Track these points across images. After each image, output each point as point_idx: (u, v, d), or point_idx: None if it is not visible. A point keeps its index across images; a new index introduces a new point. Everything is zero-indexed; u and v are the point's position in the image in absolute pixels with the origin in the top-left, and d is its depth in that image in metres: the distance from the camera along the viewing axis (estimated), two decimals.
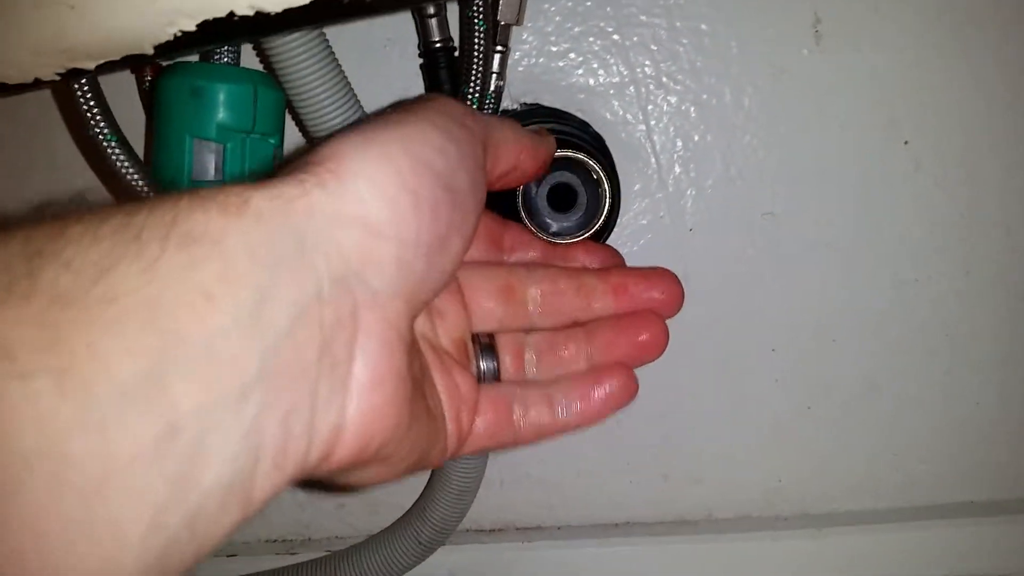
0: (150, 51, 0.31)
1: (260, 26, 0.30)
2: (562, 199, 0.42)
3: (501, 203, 0.44)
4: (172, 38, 0.30)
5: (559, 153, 0.40)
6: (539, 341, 0.36)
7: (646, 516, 0.61)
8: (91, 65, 0.32)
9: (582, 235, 0.40)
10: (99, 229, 0.20)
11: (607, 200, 0.41)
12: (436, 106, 0.29)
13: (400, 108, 0.28)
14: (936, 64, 0.51)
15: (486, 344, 0.35)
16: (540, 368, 0.36)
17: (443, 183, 0.26)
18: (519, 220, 0.40)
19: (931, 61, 0.51)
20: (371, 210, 0.24)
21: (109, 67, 0.33)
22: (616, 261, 0.39)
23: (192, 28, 0.30)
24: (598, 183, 0.41)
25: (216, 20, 0.30)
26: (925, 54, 0.51)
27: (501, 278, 0.36)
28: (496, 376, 0.34)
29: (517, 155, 0.33)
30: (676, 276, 0.37)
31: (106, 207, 0.21)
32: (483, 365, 0.34)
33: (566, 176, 0.42)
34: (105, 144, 0.39)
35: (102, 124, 0.39)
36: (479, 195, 0.29)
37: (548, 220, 0.41)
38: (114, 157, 0.39)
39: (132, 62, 0.33)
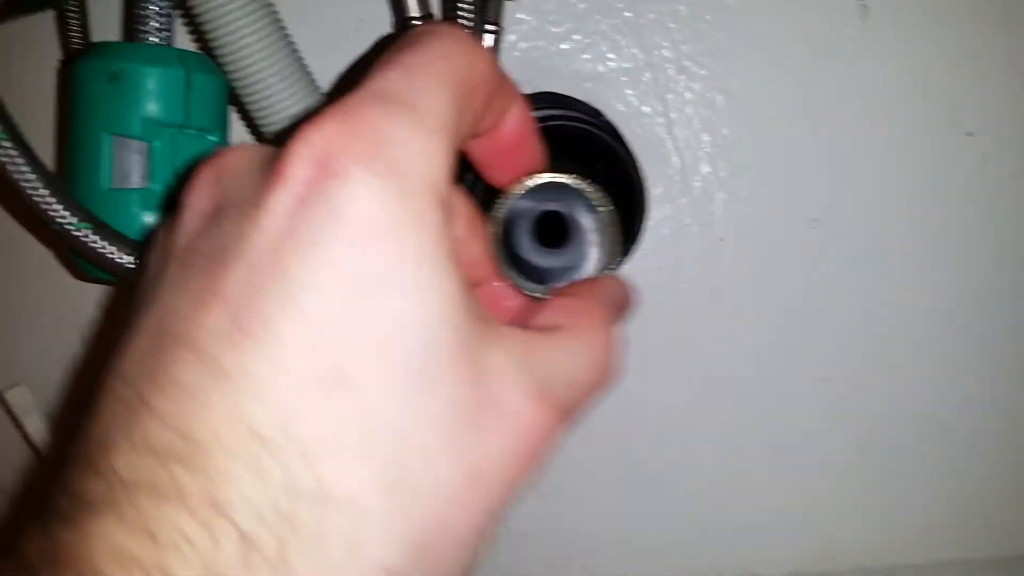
0: None
1: None
2: (553, 233, 0.33)
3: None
4: None
5: (550, 178, 0.31)
6: None
7: (679, 574, 0.56)
8: None
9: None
10: None
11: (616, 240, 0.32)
12: None
13: None
14: (1003, 42, 0.47)
15: None
16: None
17: None
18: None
19: (997, 39, 0.47)
20: None
21: None
22: None
23: None
24: (598, 211, 0.32)
25: None
26: (990, 31, 0.47)
27: None
28: None
29: None
30: None
31: None
32: None
33: (558, 208, 0.32)
34: None
35: None
36: None
37: (535, 261, 0.32)
38: (5, 160, 0.31)
39: None
